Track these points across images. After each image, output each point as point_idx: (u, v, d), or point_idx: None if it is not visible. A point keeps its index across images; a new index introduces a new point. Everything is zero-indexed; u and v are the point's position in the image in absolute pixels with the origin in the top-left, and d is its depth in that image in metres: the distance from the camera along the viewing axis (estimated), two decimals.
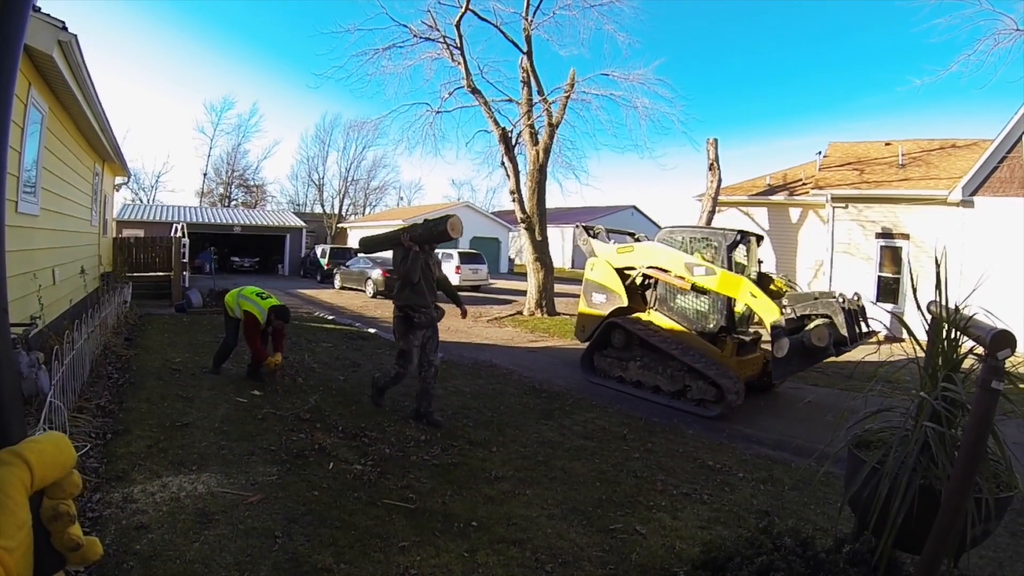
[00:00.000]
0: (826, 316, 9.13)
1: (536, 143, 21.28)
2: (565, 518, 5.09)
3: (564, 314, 21.03)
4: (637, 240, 12.56)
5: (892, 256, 20.96)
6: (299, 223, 40.50)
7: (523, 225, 21.35)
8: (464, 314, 8.86)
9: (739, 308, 10.43)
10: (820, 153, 25.91)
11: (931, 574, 2.73)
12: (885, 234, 21.15)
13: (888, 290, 20.99)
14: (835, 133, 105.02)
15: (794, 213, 23.84)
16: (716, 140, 19.73)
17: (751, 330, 11.13)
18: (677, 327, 10.66)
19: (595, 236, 12.62)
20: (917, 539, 2.84)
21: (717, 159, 19.54)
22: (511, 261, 52.64)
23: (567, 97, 21.11)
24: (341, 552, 4.14)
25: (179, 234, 20.25)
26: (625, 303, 11.30)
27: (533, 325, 18.64)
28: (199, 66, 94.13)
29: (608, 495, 5.67)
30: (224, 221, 37.89)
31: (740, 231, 10.80)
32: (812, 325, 8.94)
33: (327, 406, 7.67)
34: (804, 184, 23.91)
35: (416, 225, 7.99)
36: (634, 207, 72.07)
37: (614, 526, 5.02)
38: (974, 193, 19.40)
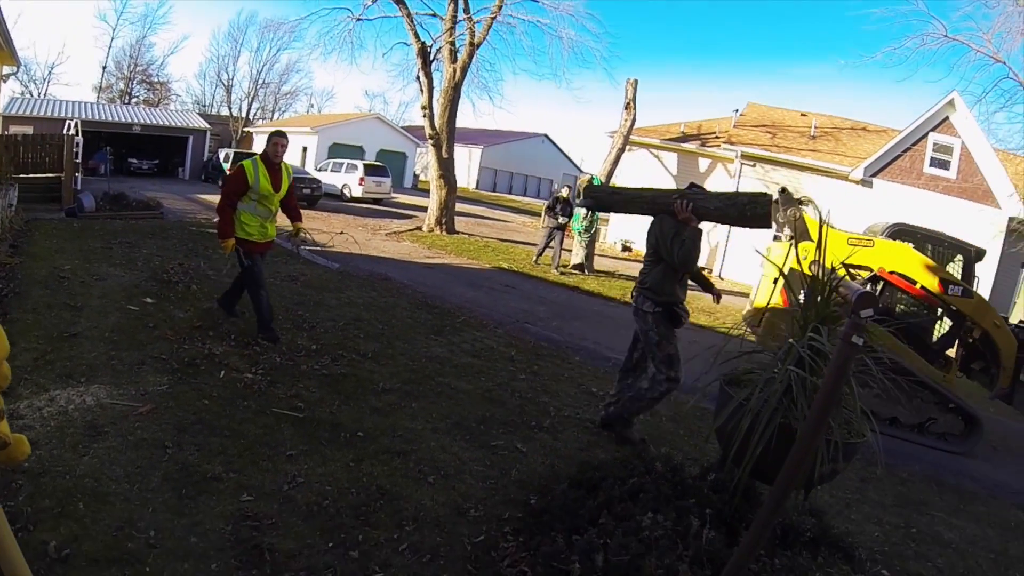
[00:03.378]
0: None
1: (455, 61, 20.91)
2: (449, 432, 5.23)
3: (463, 233, 21.18)
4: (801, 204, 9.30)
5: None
6: (204, 125, 38.27)
7: (431, 141, 21.13)
8: (717, 298, 6.45)
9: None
10: (737, 111, 26.75)
11: (781, 502, 2.93)
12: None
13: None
14: (753, 94, 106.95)
15: (703, 163, 24.61)
16: (636, 80, 19.77)
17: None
18: (898, 345, 8.65)
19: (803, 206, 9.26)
20: (773, 471, 3.02)
21: (634, 99, 19.61)
22: (416, 177, 52.01)
23: (493, 18, 20.74)
24: (230, 461, 4.15)
25: (72, 132, 19.05)
26: None
27: (431, 242, 18.60)
28: None
29: (492, 413, 5.83)
30: (123, 119, 35.52)
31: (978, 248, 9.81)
32: None
33: (220, 314, 7.49)
34: (717, 138, 24.47)
35: (703, 192, 5.76)
36: (546, 136, 72.00)
37: (496, 443, 5.18)
38: (875, 175, 21.22)
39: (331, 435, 4.77)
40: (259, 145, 49.48)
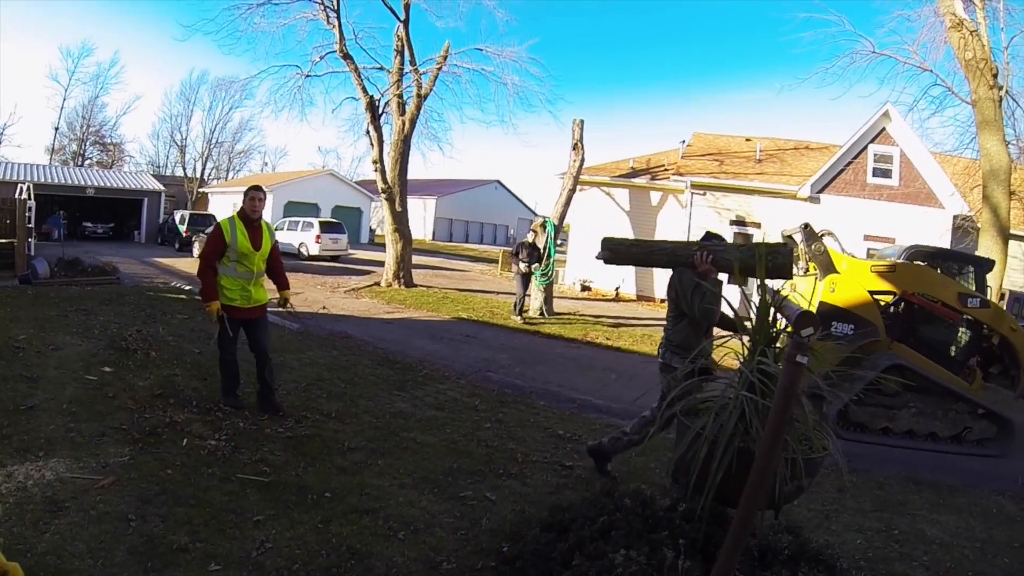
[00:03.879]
0: None
1: (403, 113, 21.08)
2: (416, 487, 5.20)
3: (422, 286, 21.15)
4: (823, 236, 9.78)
5: (745, 242, 22.43)
6: (158, 186, 38.14)
7: (384, 195, 21.20)
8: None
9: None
10: (684, 142, 27.30)
11: (746, 524, 2.98)
12: (739, 221, 23.14)
13: None
14: (700, 124, 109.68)
15: (654, 196, 24.96)
16: (582, 121, 20.05)
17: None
18: (926, 362, 8.98)
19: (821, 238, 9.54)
20: (737, 495, 3.07)
21: (581, 139, 19.87)
22: (372, 231, 52.02)
23: (439, 69, 21.01)
24: (196, 530, 4.09)
25: (24, 196, 18.81)
26: (883, 337, 8.92)
27: (390, 296, 18.56)
28: (55, 4, 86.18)
29: (459, 464, 5.82)
30: (76, 182, 35.19)
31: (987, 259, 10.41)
32: None
33: (181, 380, 7.41)
34: (666, 170, 25.02)
35: (722, 243, 5.69)
36: (498, 182, 72.70)
37: (464, 493, 5.17)
38: (821, 191, 22.00)
39: (298, 498, 4.71)
40: (215, 206, 49.13)
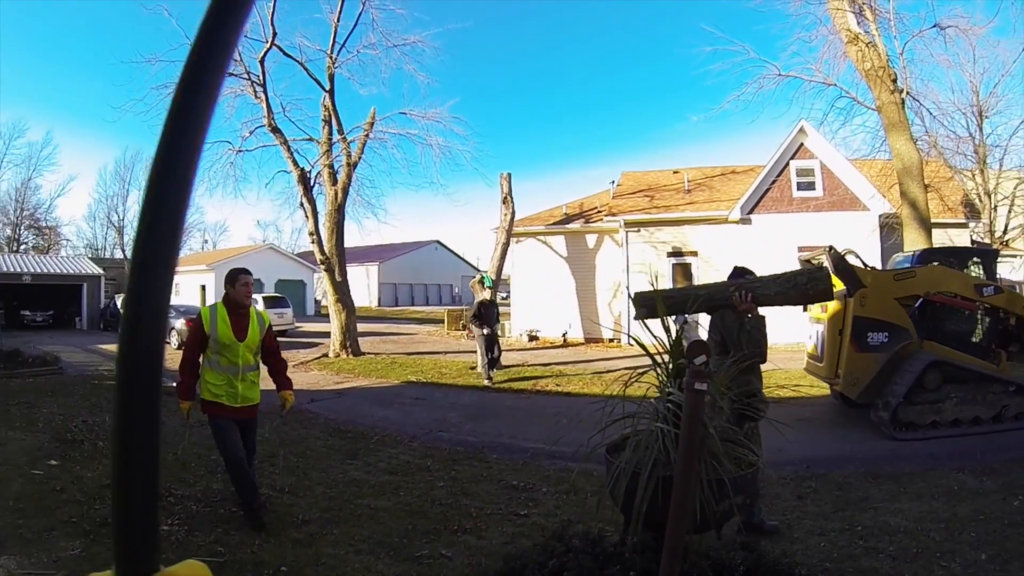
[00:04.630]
0: None
1: (335, 183, 21.19)
2: (372, 552, 5.22)
3: (370, 353, 21.01)
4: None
5: (683, 272, 23.67)
6: (97, 270, 37.41)
7: (323, 266, 21.15)
8: None
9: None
10: (613, 182, 27.96)
11: (674, 550, 3.08)
12: (676, 253, 23.73)
13: None
14: (629, 163, 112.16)
15: (590, 239, 25.45)
16: (509, 174, 20.43)
17: None
18: (949, 351, 9.62)
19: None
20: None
21: (511, 192, 20.19)
22: (318, 303, 51.57)
23: (366, 136, 21.23)
24: None
25: None
26: (915, 338, 9.51)
27: (339, 367, 18.46)
28: None
29: (414, 525, 5.85)
30: (12, 269, 34.34)
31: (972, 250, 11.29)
32: None
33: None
34: (599, 212, 25.58)
35: (758, 279, 5.84)
36: (438, 242, 72.98)
37: (420, 553, 5.21)
38: (751, 212, 22.82)
39: (254, 575, 4.71)
40: None
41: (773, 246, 21.73)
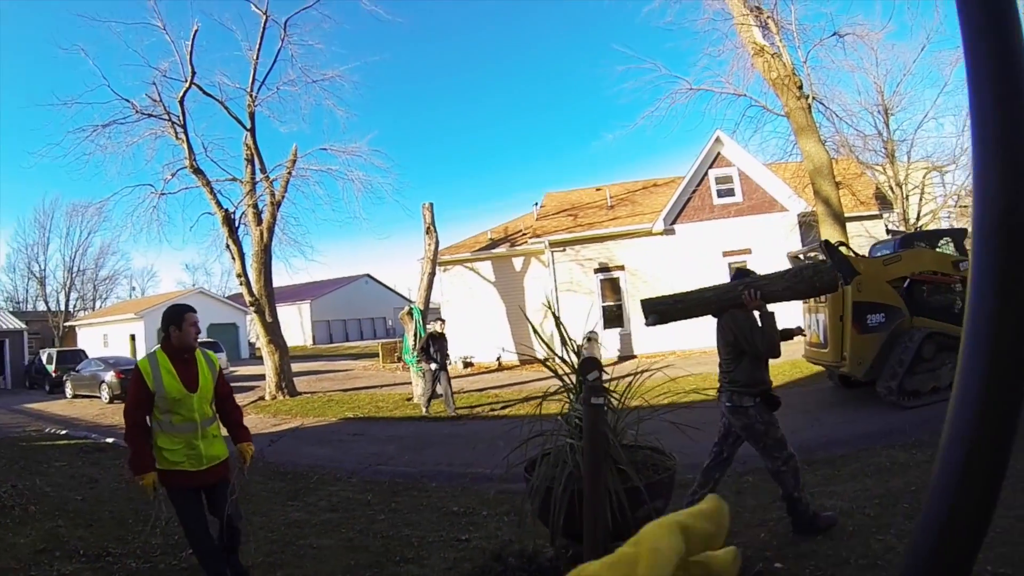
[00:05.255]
0: None
1: (260, 223, 20.99)
2: None
3: (306, 393, 20.78)
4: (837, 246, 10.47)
5: (612, 286, 24.14)
6: (19, 324, 36.18)
7: (253, 308, 20.88)
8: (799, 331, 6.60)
9: None
10: (537, 204, 28.30)
11: (593, 558, 3.14)
12: (603, 268, 24.13)
13: (613, 316, 23.92)
14: (552, 184, 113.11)
15: (517, 262, 25.72)
16: (431, 204, 20.34)
17: None
18: (938, 323, 10.46)
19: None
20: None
21: (433, 222, 20.13)
22: (252, 345, 50.49)
23: (289, 174, 21.17)
24: None
25: None
26: (907, 316, 10.41)
27: (276, 408, 18.25)
28: None
29: (356, 560, 5.84)
30: None
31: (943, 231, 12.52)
32: None
33: (65, 531, 7.06)
34: (524, 234, 25.90)
35: (763, 276, 5.83)
36: (368, 275, 72.48)
37: None
38: (674, 222, 23.49)
39: None
40: (85, 340, 46.40)
41: (698, 253, 22.75)
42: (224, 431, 5.24)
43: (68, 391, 25.81)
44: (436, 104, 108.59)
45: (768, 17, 18.13)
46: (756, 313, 5.42)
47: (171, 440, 4.66)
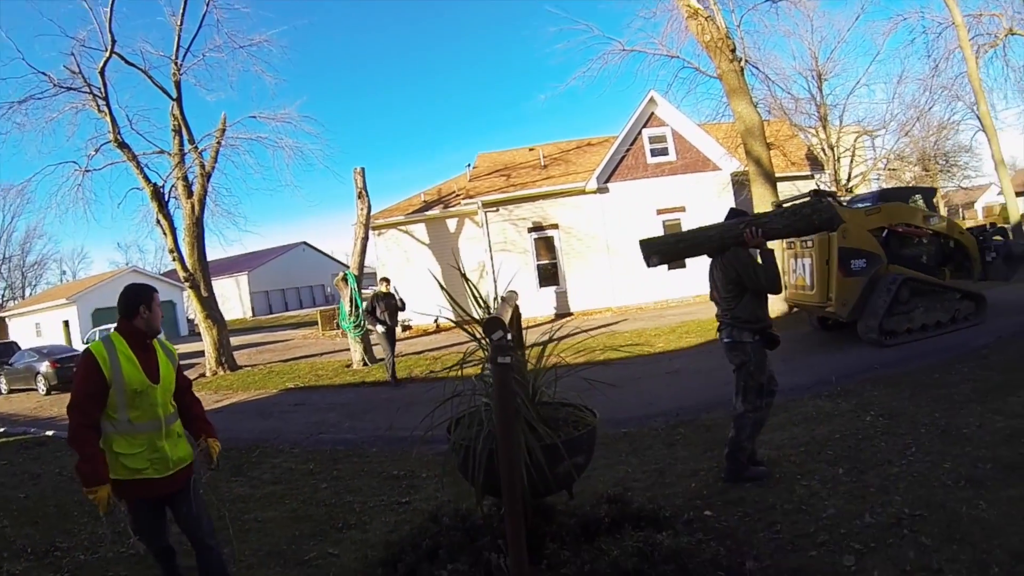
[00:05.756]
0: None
1: (190, 196, 20.46)
2: (263, 564, 5.34)
3: (246, 366, 20.71)
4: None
5: (546, 245, 24.32)
6: None
7: (187, 283, 20.46)
8: None
9: None
10: (469, 165, 28.11)
11: (513, 514, 3.28)
12: (536, 227, 24.27)
13: (548, 274, 24.23)
14: (485, 145, 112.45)
15: (451, 223, 25.72)
16: (363, 169, 20.00)
17: None
18: (910, 271, 11.52)
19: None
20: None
21: (365, 187, 19.84)
22: (191, 322, 49.42)
23: (218, 143, 20.64)
24: None
25: None
26: (886, 262, 11.43)
27: (216, 384, 18.12)
28: None
29: (300, 530, 5.99)
30: None
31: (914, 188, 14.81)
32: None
33: (10, 530, 7.00)
34: (457, 196, 25.82)
35: (765, 214, 6.19)
36: (304, 243, 71.59)
37: (309, 556, 5.36)
38: (608, 180, 23.73)
39: None
40: (16, 331, 44.78)
41: (631, 211, 23.24)
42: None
43: (2, 386, 24.84)
44: (366, 67, 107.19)
45: None
46: (756, 251, 5.57)
47: (130, 443, 3.83)
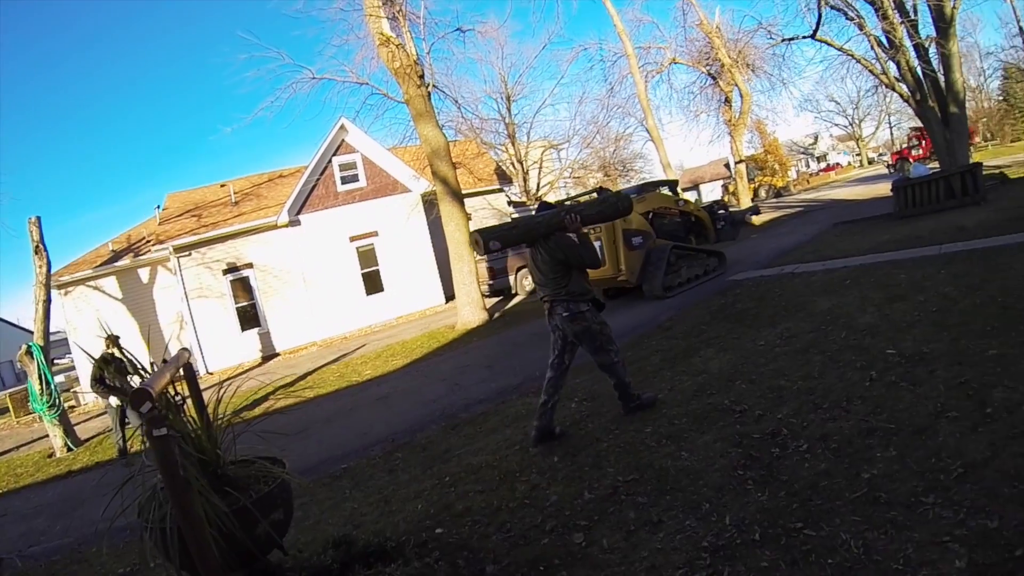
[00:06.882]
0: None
1: None
2: None
3: None
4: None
5: (243, 286, 23.54)
6: None
7: None
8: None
9: None
10: (159, 207, 26.00)
11: None
12: (232, 268, 23.33)
13: (249, 317, 23.51)
14: (176, 183, 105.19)
15: (143, 273, 23.94)
16: (38, 218, 16.92)
17: None
18: (671, 242, 14.90)
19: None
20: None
21: (42, 240, 17.02)
22: None
23: None
24: None
25: None
26: (655, 236, 14.73)
27: None
28: None
29: None
30: None
31: (662, 181, 19.63)
32: (738, 209, 21.17)
33: None
34: (148, 242, 24.04)
35: (578, 203, 7.38)
36: None
37: None
38: (299, 212, 23.57)
39: None
40: None
41: (324, 241, 23.51)
42: None
43: None
44: (36, 108, 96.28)
45: (398, 11, 18.91)
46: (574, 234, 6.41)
47: None
